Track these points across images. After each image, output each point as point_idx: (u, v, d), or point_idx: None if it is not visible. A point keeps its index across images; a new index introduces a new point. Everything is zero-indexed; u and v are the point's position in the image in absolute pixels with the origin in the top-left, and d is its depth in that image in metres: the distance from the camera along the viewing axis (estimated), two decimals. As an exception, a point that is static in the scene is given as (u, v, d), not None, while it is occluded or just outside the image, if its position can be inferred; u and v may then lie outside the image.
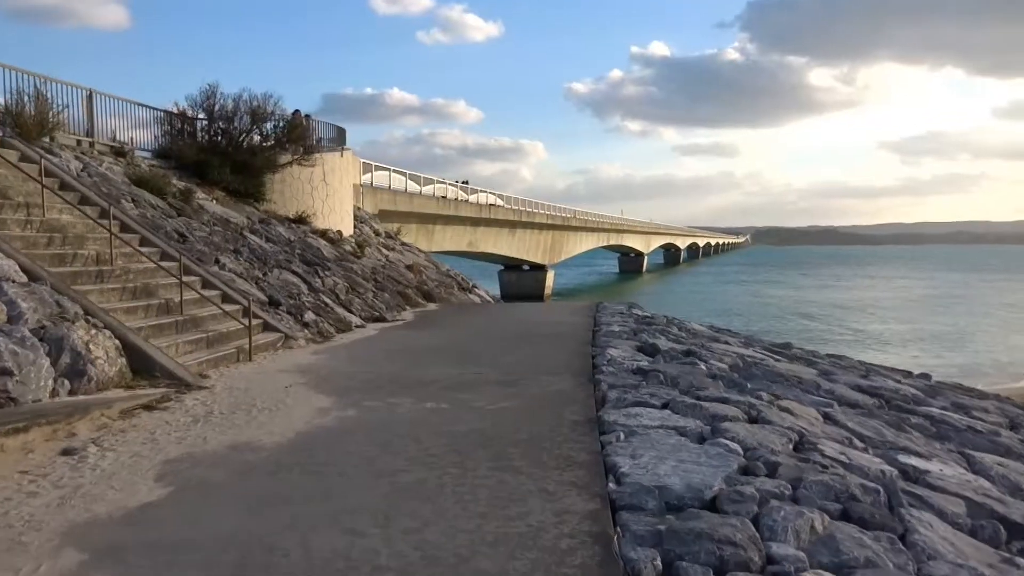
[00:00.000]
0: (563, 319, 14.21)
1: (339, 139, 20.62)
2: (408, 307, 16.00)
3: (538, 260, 63.37)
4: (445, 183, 41.09)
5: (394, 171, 32.63)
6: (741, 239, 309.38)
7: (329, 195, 18.92)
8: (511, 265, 63.77)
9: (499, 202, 51.96)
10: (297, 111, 19.24)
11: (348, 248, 18.15)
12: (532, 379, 8.03)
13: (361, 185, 28.30)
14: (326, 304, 12.85)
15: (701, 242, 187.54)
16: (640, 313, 15.60)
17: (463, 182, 50.78)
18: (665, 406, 6.55)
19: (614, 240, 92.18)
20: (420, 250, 23.95)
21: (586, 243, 79.02)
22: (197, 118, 16.07)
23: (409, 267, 20.19)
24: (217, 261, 11.66)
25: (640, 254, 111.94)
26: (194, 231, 12.33)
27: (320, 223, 18.34)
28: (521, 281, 65.04)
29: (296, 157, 17.13)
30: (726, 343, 12.57)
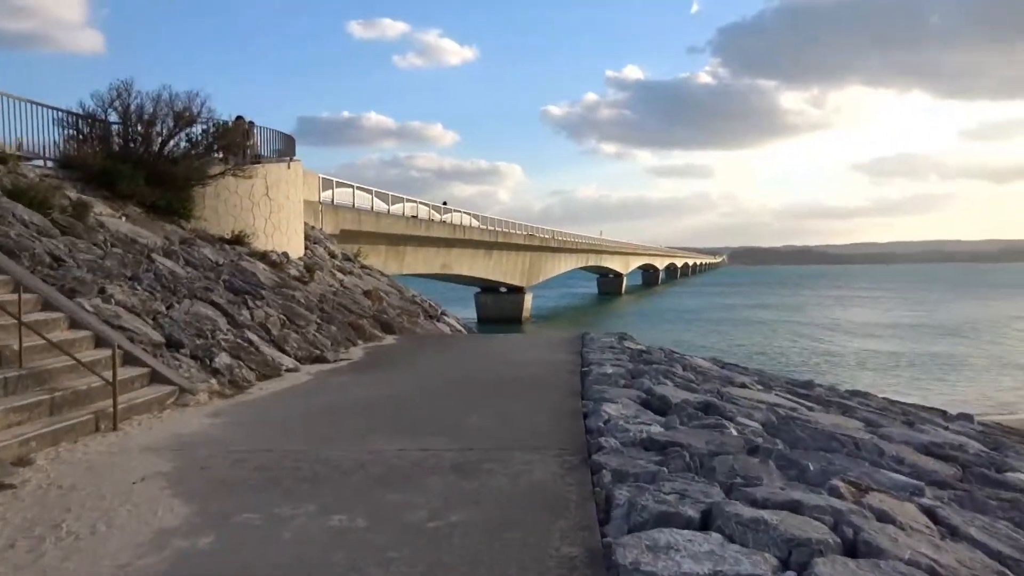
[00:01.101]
0: (544, 356, 11.83)
1: (287, 149, 18.20)
2: (360, 341, 13.54)
3: (516, 282, 61.07)
4: (416, 202, 38.72)
5: (358, 188, 30.22)
6: (718, 259, 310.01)
7: (273, 212, 16.46)
8: (488, 288, 61.43)
9: (474, 223, 49.66)
10: (240, 117, 16.85)
11: (294, 272, 15.67)
12: (501, 460, 5.62)
13: (320, 203, 25.88)
14: (250, 343, 10.37)
15: (679, 262, 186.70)
16: (634, 347, 13.26)
17: (443, 203, 48.52)
18: (706, 522, 4.18)
19: (593, 261, 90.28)
20: (383, 274, 21.52)
21: (565, 264, 76.94)
22: (107, 120, 13.56)
23: (367, 293, 17.74)
24: (102, 292, 9.15)
25: (619, 275, 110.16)
26: (78, 254, 9.81)
27: (261, 244, 15.86)
28: (498, 304, 62.66)
29: (230, 167, 14.67)
30: (743, 386, 10.25)
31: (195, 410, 7.60)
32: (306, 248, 18.84)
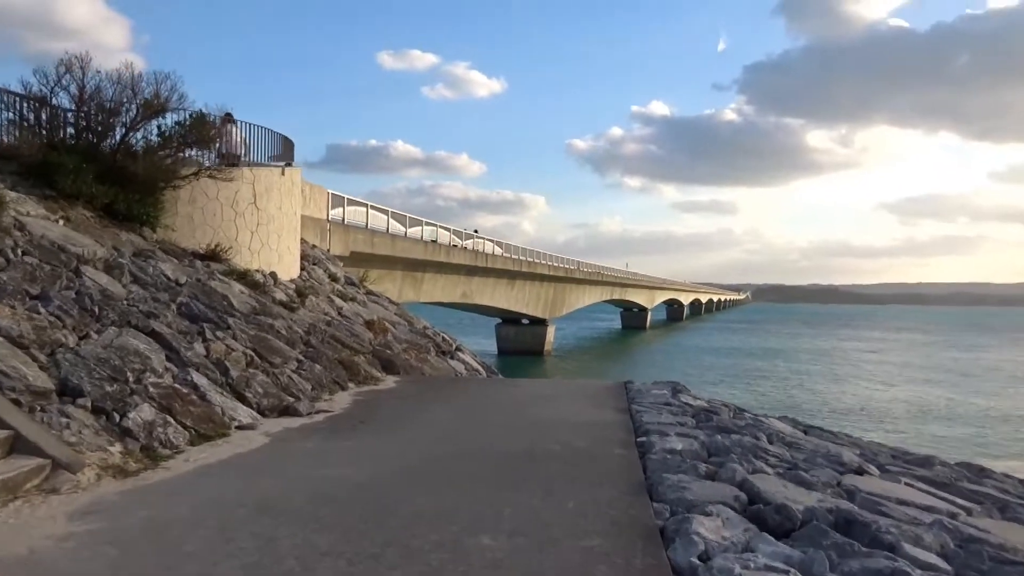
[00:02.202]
0: (582, 412, 9.10)
1: (285, 154, 15.79)
2: (351, 384, 10.92)
3: (538, 314, 58.35)
4: (436, 225, 36.30)
5: (372, 207, 27.84)
6: (742, 296, 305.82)
7: (262, 224, 13.99)
8: (509, 319, 58.76)
9: (497, 250, 47.17)
10: (228, 113, 14.51)
11: (280, 297, 13.13)
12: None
13: (328, 221, 23.49)
14: (194, 388, 7.77)
15: (703, 298, 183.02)
16: (694, 402, 10.49)
17: (474, 231, 46.13)
18: None
19: (618, 294, 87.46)
20: (392, 301, 18.96)
21: (590, 297, 74.20)
22: (52, 104, 11.17)
23: (369, 324, 15.15)
24: (-20, 314, 6.63)
25: (644, 309, 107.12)
26: (-37, 262, 7.31)
27: (244, 261, 13.38)
28: (520, 336, 59.91)
29: (206, 168, 12.23)
30: (859, 471, 7.42)
31: (62, 502, 4.97)
32: (303, 269, 16.34)
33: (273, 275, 13.90)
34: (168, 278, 10.43)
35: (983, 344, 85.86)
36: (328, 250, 23.03)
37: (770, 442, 8.33)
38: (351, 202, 25.69)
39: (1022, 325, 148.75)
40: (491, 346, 60.43)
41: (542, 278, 56.66)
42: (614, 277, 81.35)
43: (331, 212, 23.85)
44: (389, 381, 11.77)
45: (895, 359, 63.20)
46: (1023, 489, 9.76)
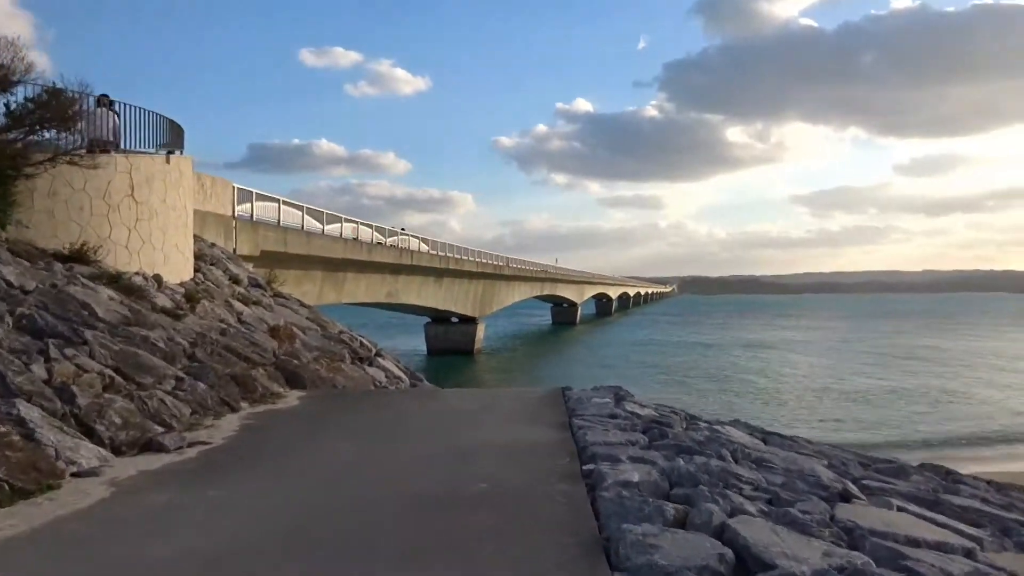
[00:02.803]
0: (515, 432, 7.73)
1: (174, 141, 13.87)
2: (245, 404, 9.27)
3: (468, 312, 56.86)
4: (356, 222, 34.39)
5: (285, 202, 25.82)
6: (668, 289, 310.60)
7: (143, 219, 12.11)
8: (438, 318, 57.10)
9: (423, 247, 45.45)
10: (103, 95, 12.56)
11: (164, 303, 11.32)
12: None
13: (235, 218, 21.49)
14: (20, 424, 6.04)
15: (632, 292, 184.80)
16: (640, 411, 9.24)
17: (400, 229, 44.32)
18: None
19: (547, 290, 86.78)
20: (303, 304, 17.20)
21: (519, 293, 73.14)
22: None
23: (274, 330, 13.43)
24: None
25: (574, 304, 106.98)
26: None
27: (120, 262, 11.50)
28: (449, 335, 58.30)
29: (64, 153, 10.32)
30: (846, 494, 6.28)
31: None
32: (197, 270, 14.47)
33: (157, 278, 12.05)
34: (9, 285, 8.56)
35: (900, 330, 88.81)
36: (234, 250, 21.06)
37: (735, 459, 7.14)
38: (261, 197, 23.68)
39: (928, 311, 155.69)
40: (420, 346, 58.68)
41: (470, 275, 55.21)
42: (543, 273, 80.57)
43: (238, 208, 21.84)
44: (292, 397, 10.14)
45: (820, 347, 64.34)
46: (999, 496, 8.91)
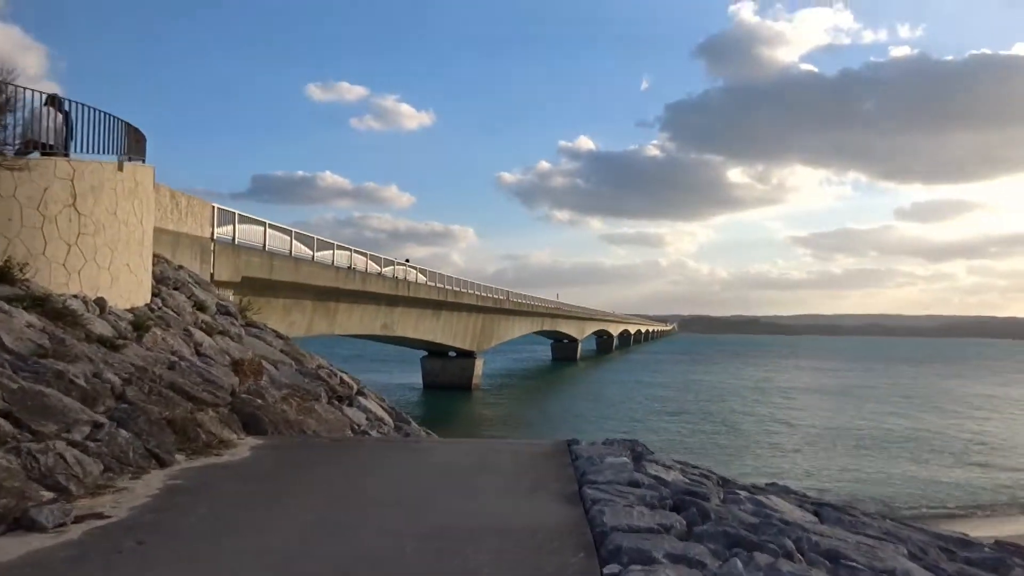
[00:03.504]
0: (509, 510, 5.98)
1: (134, 147, 12.30)
2: (182, 454, 7.55)
3: (466, 346, 55.09)
4: (350, 250, 32.83)
5: (271, 226, 24.26)
6: (669, 327, 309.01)
7: (84, 233, 10.47)
8: (435, 351, 55.32)
9: (421, 278, 43.85)
10: (53, 95, 11.06)
11: (102, 331, 9.64)
12: None
13: (214, 240, 19.90)
14: None
15: (632, 329, 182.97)
16: (666, 476, 7.50)
17: (405, 260, 42.90)
18: None
19: (548, 325, 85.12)
20: (280, 335, 15.49)
21: (519, 328, 71.43)
22: None
23: (237, 364, 11.71)
24: None
25: (574, 340, 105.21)
26: None
27: (54, 281, 9.84)
28: (446, 369, 56.47)
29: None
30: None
31: None
32: (156, 294, 12.80)
33: (100, 302, 10.37)
34: None
35: (908, 375, 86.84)
36: (212, 275, 19.44)
37: (801, 551, 5.41)
38: (244, 219, 22.13)
39: (931, 355, 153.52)
40: (417, 379, 56.85)
41: (469, 309, 53.57)
42: (544, 308, 78.95)
43: (218, 230, 20.28)
44: (244, 447, 8.39)
45: (827, 390, 62.38)
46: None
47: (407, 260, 43.27)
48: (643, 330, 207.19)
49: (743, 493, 7.50)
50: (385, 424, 13.57)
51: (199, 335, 12.11)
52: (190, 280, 14.51)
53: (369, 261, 35.07)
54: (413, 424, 15.18)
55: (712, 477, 8.49)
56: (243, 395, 10.79)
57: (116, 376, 8.49)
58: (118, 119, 11.65)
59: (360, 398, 14.06)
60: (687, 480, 7.70)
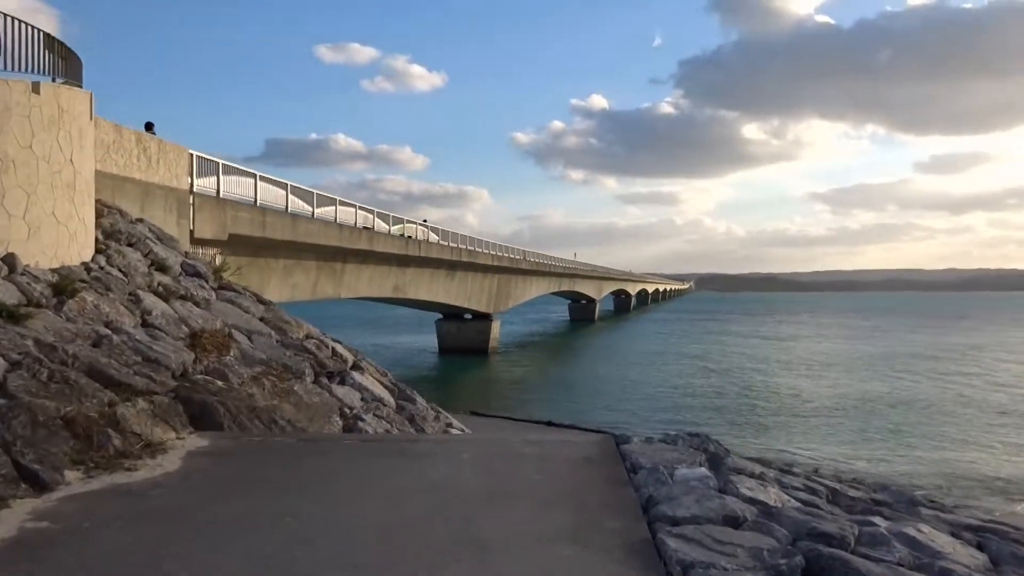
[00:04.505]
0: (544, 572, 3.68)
1: (65, 68, 9.89)
2: (76, 471, 5.33)
3: (482, 308, 52.82)
4: (355, 206, 30.42)
5: (263, 178, 21.86)
6: (686, 285, 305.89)
7: (-10, 174, 8.15)
8: (451, 314, 53.16)
9: (433, 237, 41.48)
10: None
11: (6, 297, 7.38)
12: None
13: (193, 192, 17.57)
14: None
15: (650, 288, 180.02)
16: (767, 498, 5.18)
17: (423, 220, 40.73)
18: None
19: (566, 285, 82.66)
20: (261, 300, 13.19)
21: (536, 288, 69.03)
22: None
23: (195, 336, 9.46)
24: None
25: (592, 300, 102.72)
26: None
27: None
28: (462, 333, 54.31)
29: None
30: None
31: None
32: (101, 251, 10.52)
33: (9, 259, 8.10)
34: None
35: (935, 330, 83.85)
36: (192, 232, 17.17)
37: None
38: (231, 170, 19.73)
39: (958, 311, 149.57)
40: (432, 343, 54.85)
41: (485, 269, 51.18)
42: (562, 267, 76.43)
43: (199, 182, 17.93)
44: (176, 454, 6.13)
45: (858, 349, 59.79)
46: None
47: (424, 220, 41.12)
48: (660, 289, 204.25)
49: (881, 525, 5.13)
50: (384, 405, 11.32)
51: (151, 300, 9.82)
52: (150, 235, 12.19)
53: (376, 219, 32.67)
54: (419, 401, 12.93)
55: (821, 492, 6.14)
56: (197, 377, 8.54)
57: (1, 358, 6.23)
58: (37, 29, 9.21)
59: (355, 373, 11.80)
60: (797, 504, 5.36)
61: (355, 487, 5.34)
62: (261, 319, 12.08)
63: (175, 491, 5.20)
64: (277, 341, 11.47)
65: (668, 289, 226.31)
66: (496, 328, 55.40)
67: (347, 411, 10.23)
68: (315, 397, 9.97)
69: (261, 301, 13.15)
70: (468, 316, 53.17)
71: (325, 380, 10.97)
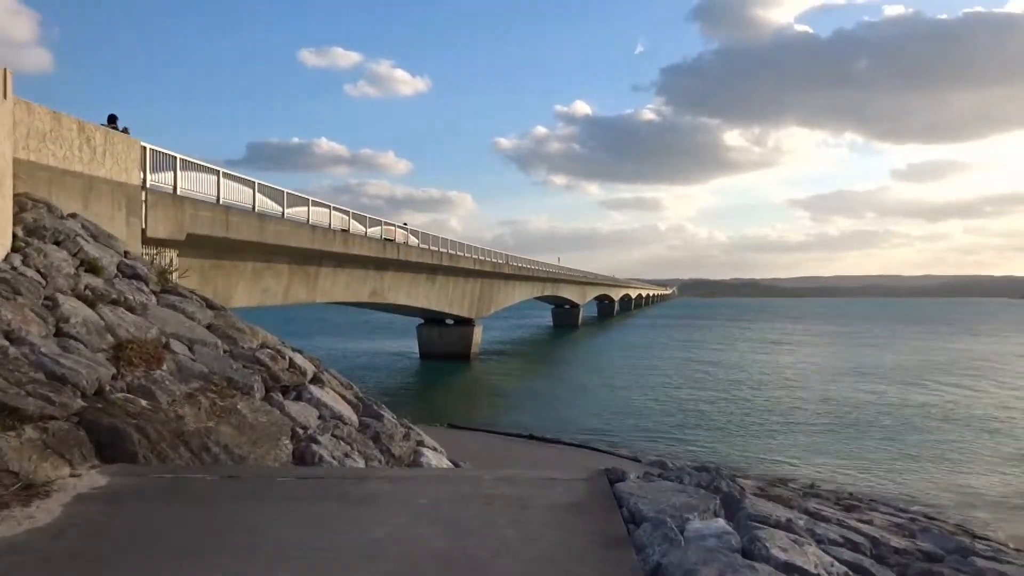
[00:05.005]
0: None
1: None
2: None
3: (464, 313, 51.55)
4: (329, 207, 29.08)
5: (226, 175, 20.49)
6: (669, 291, 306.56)
7: None
8: (432, 319, 51.83)
9: (413, 240, 40.16)
10: None
11: None
12: None
13: (146, 188, 16.24)
14: None
15: (633, 294, 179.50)
16: (796, 558, 4.02)
17: (402, 224, 39.44)
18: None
19: (549, 290, 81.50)
20: (212, 306, 11.88)
21: (520, 293, 67.88)
22: None
23: (122, 347, 8.18)
24: None
25: (575, 306, 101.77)
26: None
27: None
28: (444, 338, 52.98)
29: None
30: None
31: None
32: (19, 249, 9.21)
33: None
34: None
35: (915, 336, 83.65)
36: (144, 231, 15.84)
37: None
38: (189, 165, 18.35)
39: (936, 317, 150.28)
40: (413, 348, 53.51)
41: (467, 273, 49.94)
42: (545, 272, 75.32)
43: (153, 178, 16.58)
44: (61, 497, 4.87)
45: (837, 358, 59.15)
46: None
47: (404, 224, 39.88)
48: (644, 294, 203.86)
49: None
50: (345, 423, 10.05)
51: (71, 305, 8.52)
52: (82, 232, 10.86)
53: (353, 221, 31.35)
54: (387, 418, 11.64)
55: (859, 540, 4.99)
56: (116, 396, 7.26)
57: None
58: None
59: (314, 387, 10.53)
60: (843, 568, 4.18)
61: (272, 550, 4.10)
62: (208, 326, 10.79)
63: (26, 561, 3.92)
64: (225, 351, 10.19)
65: (651, 294, 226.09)
66: (478, 333, 54.16)
67: (300, 432, 8.97)
68: (263, 416, 8.70)
69: (211, 306, 11.83)
70: (450, 321, 51.93)
71: (278, 396, 9.72)
